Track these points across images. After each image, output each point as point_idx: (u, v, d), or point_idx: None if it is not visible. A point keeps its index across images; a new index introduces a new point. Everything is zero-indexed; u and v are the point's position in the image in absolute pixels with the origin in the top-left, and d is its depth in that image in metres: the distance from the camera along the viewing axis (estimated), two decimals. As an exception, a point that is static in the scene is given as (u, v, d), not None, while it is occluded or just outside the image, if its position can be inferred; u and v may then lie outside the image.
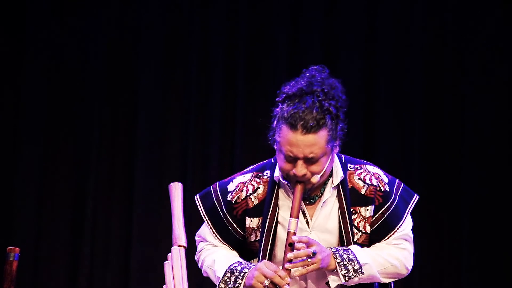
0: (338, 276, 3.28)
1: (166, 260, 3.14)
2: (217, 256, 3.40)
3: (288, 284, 3.19)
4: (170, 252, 3.16)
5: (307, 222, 3.33)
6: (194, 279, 5.70)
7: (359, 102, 5.89)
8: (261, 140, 5.72)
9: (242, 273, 3.28)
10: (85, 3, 5.96)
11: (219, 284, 3.33)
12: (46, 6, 5.92)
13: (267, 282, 3.20)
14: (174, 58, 5.99)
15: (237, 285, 3.28)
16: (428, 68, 5.97)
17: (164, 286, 3.09)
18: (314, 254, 3.20)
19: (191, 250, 3.37)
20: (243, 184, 3.40)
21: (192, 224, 5.40)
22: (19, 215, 5.86)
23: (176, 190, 3.31)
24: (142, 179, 5.91)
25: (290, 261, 3.20)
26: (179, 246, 3.18)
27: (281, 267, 3.22)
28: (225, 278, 3.31)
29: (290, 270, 3.20)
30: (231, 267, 3.31)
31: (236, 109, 5.95)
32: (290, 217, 3.22)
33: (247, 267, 3.29)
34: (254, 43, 6.00)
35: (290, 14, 5.99)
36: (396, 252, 3.37)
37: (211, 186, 3.48)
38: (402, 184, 3.44)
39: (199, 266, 3.51)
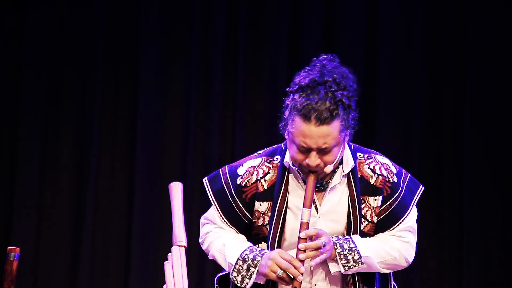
0: (338, 265, 3.30)
1: (166, 260, 3.14)
2: (226, 240, 3.39)
3: (302, 274, 3.18)
4: (170, 252, 3.16)
5: (316, 208, 3.34)
6: (194, 279, 5.70)
7: (359, 92, 5.89)
8: (262, 140, 5.70)
9: (255, 262, 3.27)
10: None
11: (231, 272, 3.31)
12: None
13: (280, 272, 3.19)
14: (175, 56, 6.00)
15: (250, 273, 3.28)
16: (429, 59, 5.98)
17: (164, 286, 3.09)
18: (324, 245, 3.21)
19: (191, 250, 3.37)
20: (253, 168, 3.40)
21: (192, 224, 5.41)
22: (19, 215, 5.86)
23: (176, 190, 3.31)
24: (142, 178, 5.91)
25: (304, 251, 3.20)
26: (179, 246, 3.17)
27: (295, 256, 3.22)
28: (237, 266, 3.30)
29: (304, 260, 3.20)
30: (243, 254, 3.30)
31: (236, 109, 5.95)
32: (303, 207, 3.22)
33: (259, 254, 3.28)
34: (254, 37, 6.01)
35: (291, 2, 6.00)
36: (398, 245, 3.38)
37: (220, 169, 3.47)
38: (409, 174, 3.46)
39: (204, 248, 3.48)
